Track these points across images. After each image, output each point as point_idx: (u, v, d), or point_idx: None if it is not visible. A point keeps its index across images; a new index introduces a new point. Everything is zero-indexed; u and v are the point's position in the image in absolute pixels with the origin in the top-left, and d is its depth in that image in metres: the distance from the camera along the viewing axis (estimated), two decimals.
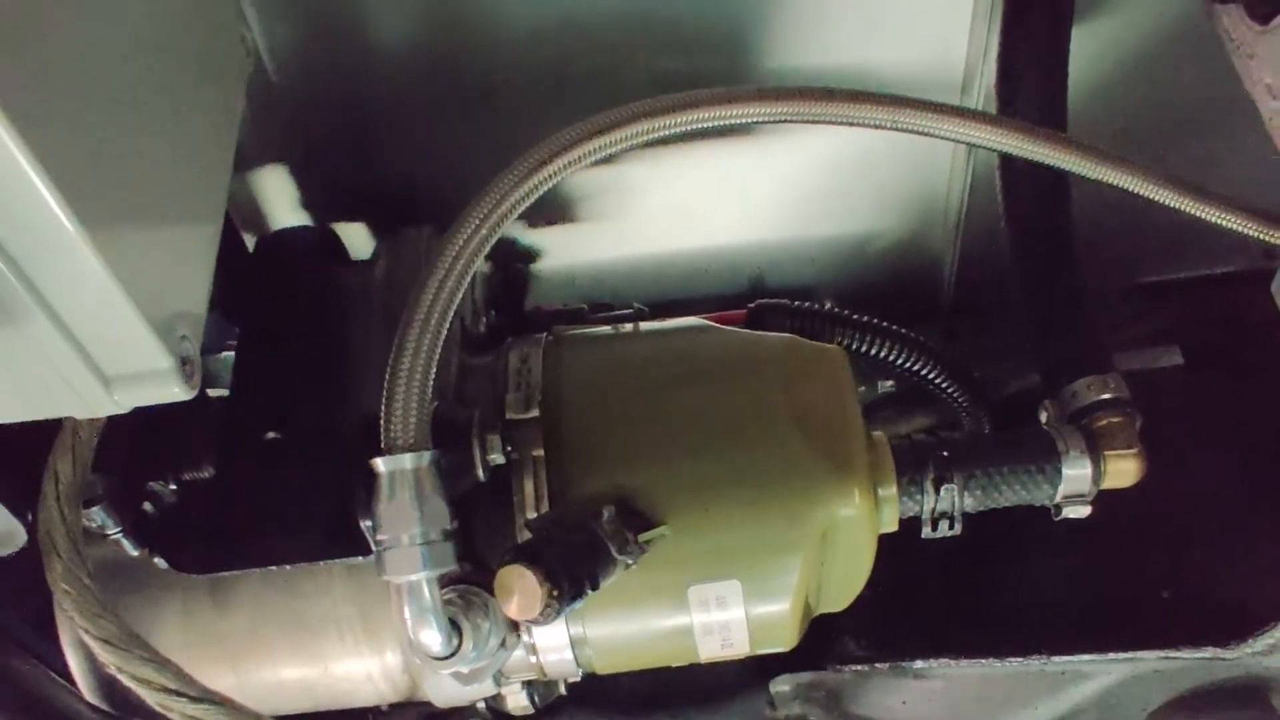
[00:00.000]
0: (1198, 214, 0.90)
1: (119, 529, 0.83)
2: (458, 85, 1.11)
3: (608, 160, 0.82)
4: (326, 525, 0.83)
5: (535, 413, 0.90)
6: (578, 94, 1.09)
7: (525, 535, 0.87)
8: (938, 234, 1.34)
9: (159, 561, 0.85)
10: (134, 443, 0.83)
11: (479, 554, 0.86)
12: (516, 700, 1.01)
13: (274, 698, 0.94)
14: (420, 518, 0.75)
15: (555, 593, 0.76)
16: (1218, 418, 1.19)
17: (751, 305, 1.11)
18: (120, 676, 0.75)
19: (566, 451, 0.89)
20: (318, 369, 0.94)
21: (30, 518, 0.76)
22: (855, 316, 1.09)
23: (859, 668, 1.17)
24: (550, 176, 0.79)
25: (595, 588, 0.80)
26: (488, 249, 0.78)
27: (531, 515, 0.87)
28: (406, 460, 0.75)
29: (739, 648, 0.93)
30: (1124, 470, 0.94)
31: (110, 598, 0.79)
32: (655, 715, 1.30)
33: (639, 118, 0.81)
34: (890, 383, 1.29)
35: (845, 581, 0.95)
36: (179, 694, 0.75)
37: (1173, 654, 1.01)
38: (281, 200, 1.19)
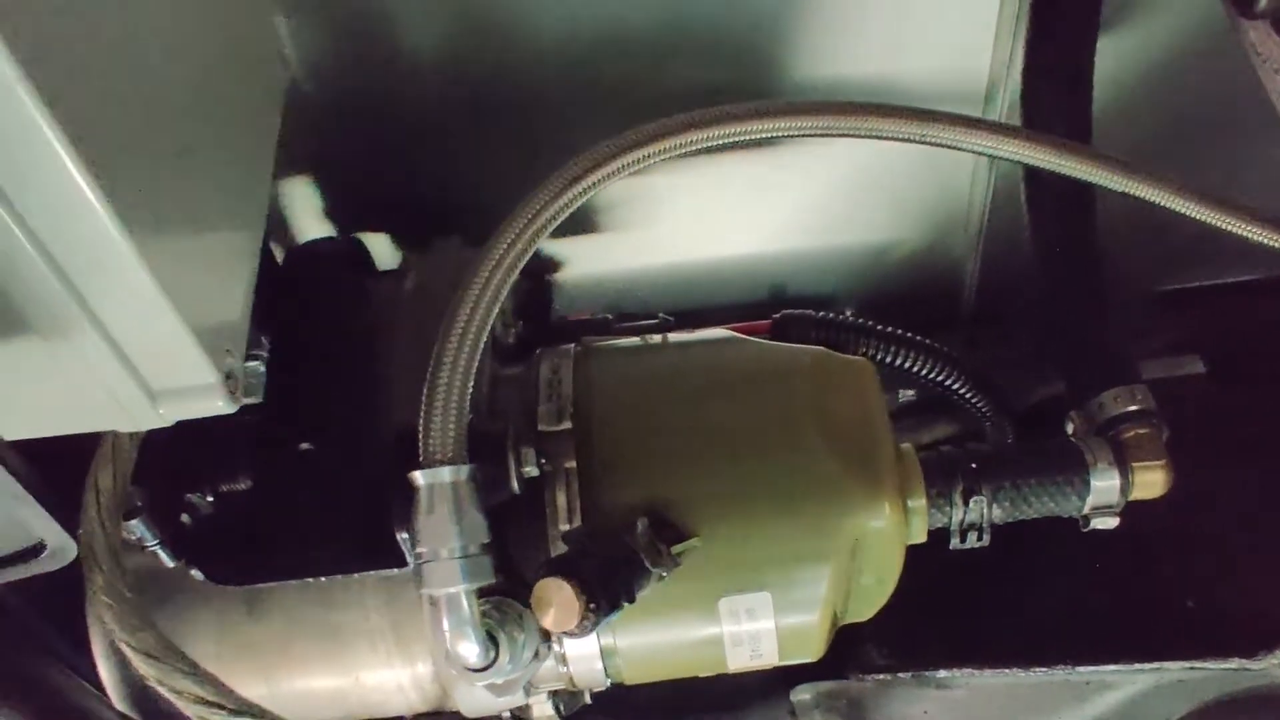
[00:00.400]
0: (1220, 225, 0.91)
1: (157, 541, 0.83)
2: (485, 97, 1.11)
3: (634, 172, 0.82)
4: (361, 537, 0.84)
5: (568, 424, 0.90)
6: (605, 106, 1.10)
7: (559, 547, 0.87)
8: (959, 242, 1.34)
9: (195, 573, 0.86)
10: (172, 455, 0.84)
11: (512, 565, 0.87)
12: (542, 710, 1.02)
13: (305, 707, 0.94)
14: (459, 531, 0.76)
15: (592, 605, 0.76)
16: (1241, 426, 1.19)
17: (776, 316, 1.11)
18: (159, 688, 0.76)
19: (598, 463, 0.89)
20: (349, 380, 0.95)
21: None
22: (879, 327, 1.10)
23: (881, 677, 1.17)
24: (584, 191, 0.80)
25: (631, 600, 0.80)
26: (523, 263, 0.79)
27: (564, 527, 0.88)
28: (445, 474, 0.76)
29: (768, 658, 0.94)
30: (1152, 481, 0.95)
31: (146, 606, 0.80)
32: None
33: (672, 133, 0.82)
34: (912, 392, 1.29)
35: (873, 592, 0.95)
36: (217, 706, 0.76)
37: (1198, 664, 1.01)
38: (308, 210, 1.19)
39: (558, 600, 0.76)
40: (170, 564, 0.85)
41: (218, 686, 0.77)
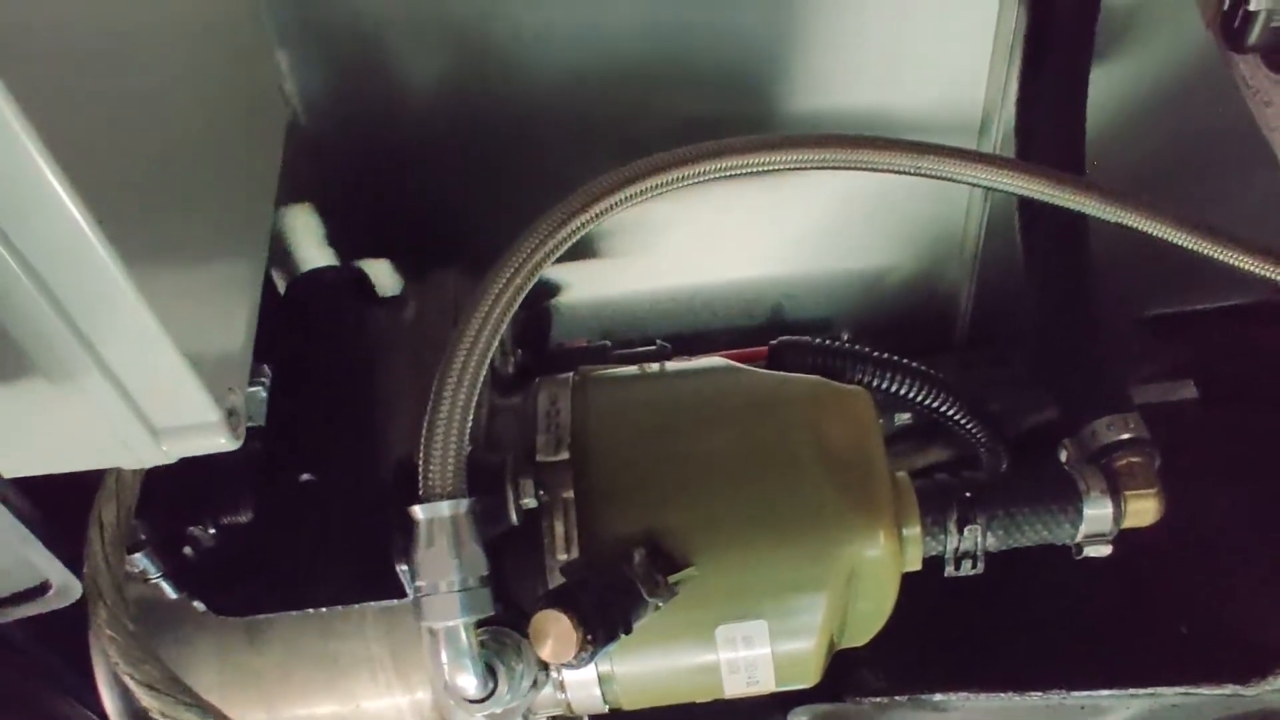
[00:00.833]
0: (1213, 255, 0.92)
1: (160, 573, 0.84)
2: (483, 129, 1.12)
3: (632, 205, 0.83)
4: (361, 568, 0.85)
5: (565, 455, 0.91)
6: (602, 138, 1.11)
7: (556, 577, 0.88)
8: (954, 267, 1.35)
9: (197, 604, 0.86)
10: (174, 488, 0.84)
11: (510, 595, 0.87)
12: None
13: None
14: (458, 565, 0.76)
15: (590, 637, 0.77)
16: (1233, 451, 1.20)
17: (773, 343, 1.12)
18: None
19: (596, 493, 0.90)
20: (349, 410, 0.96)
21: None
22: (875, 353, 1.10)
23: (878, 700, 1.18)
24: (583, 225, 0.81)
25: (628, 631, 0.81)
26: (523, 296, 0.80)
27: (562, 557, 0.89)
28: (444, 508, 0.76)
29: (764, 685, 0.94)
30: (1144, 510, 0.95)
31: (149, 638, 0.81)
32: None
33: (671, 167, 0.84)
34: (907, 416, 1.30)
35: (868, 619, 0.96)
36: None
37: (1192, 690, 1.01)
38: (308, 239, 1.20)
39: (555, 632, 0.77)
40: (173, 596, 0.86)
41: (220, 718, 0.77)
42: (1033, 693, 1.08)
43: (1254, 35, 0.90)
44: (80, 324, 0.62)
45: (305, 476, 0.89)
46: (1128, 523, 0.96)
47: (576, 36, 1.05)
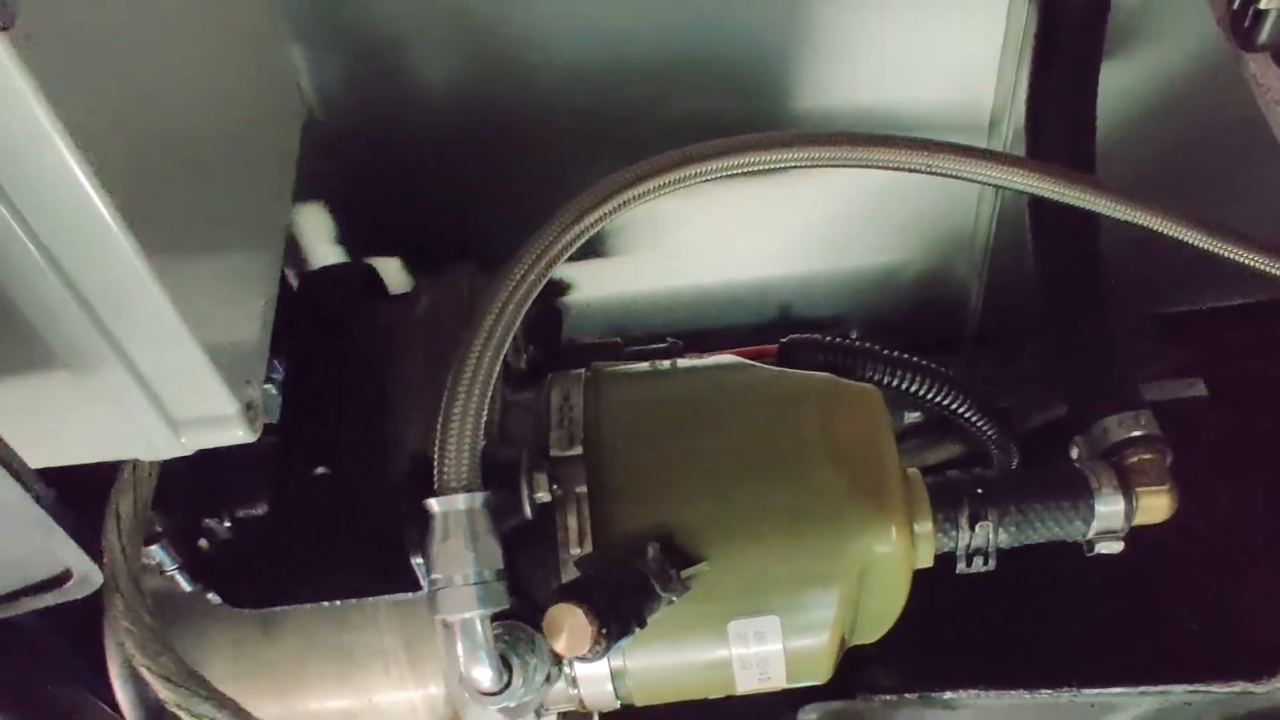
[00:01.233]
0: (1224, 253, 0.92)
1: (176, 565, 0.85)
2: (496, 126, 1.13)
3: (645, 202, 0.84)
4: (376, 561, 0.85)
5: (579, 450, 0.91)
6: (613, 135, 1.11)
7: (570, 571, 0.88)
8: (964, 265, 1.35)
9: (213, 597, 0.87)
10: (191, 481, 0.85)
11: (523, 589, 0.87)
12: None
13: None
14: (474, 558, 0.77)
15: (604, 631, 0.77)
16: (1243, 449, 1.21)
17: (784, 340, 1.12)
18: (179, 713, 0.77)
19: (609, 488, 0.91)
20: (363, 405, 0.96)
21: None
22: (885, 351, 1.11)
23: (888, 697, 1.18)
24: (596, 223, 0.82)
25: (642, 625, 0.81)
26: (536, 293, 0.81)
27: (575, 551, 0.89)
28: (460, 501, 0.77)
29: (776, 681, 0.95)
30: (1156, 506, 0.95)
31: (164, 629, 0.81)
32: None
33: (683, 164, 0.84)
34: (917, 414, 1.30)
35: (880, 615, 0.96)
36: None
37: (1202, 688, 1.02)
38: (321, 237, 1.21)
39: (569, 625, 0.77)
40: (188, 588, 0.86)
41: (238, 711, 0.78)
42: (1043, 690, 1.08)
43: (1264, 34, 0.90)
44: (102, 316, 0.63)
45: (320, 470, 0.90)
46: (1139, 519, 0.96)
47: (589, 35, 1.06)
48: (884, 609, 0.95)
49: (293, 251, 1.21)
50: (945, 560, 0.97)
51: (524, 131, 1.13)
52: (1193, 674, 1.02)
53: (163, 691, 0.77)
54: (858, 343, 1.12)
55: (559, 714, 1.00)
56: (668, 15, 1.06)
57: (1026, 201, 1.07)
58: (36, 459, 0.66)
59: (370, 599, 0.91)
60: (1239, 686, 0.99)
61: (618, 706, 0.98)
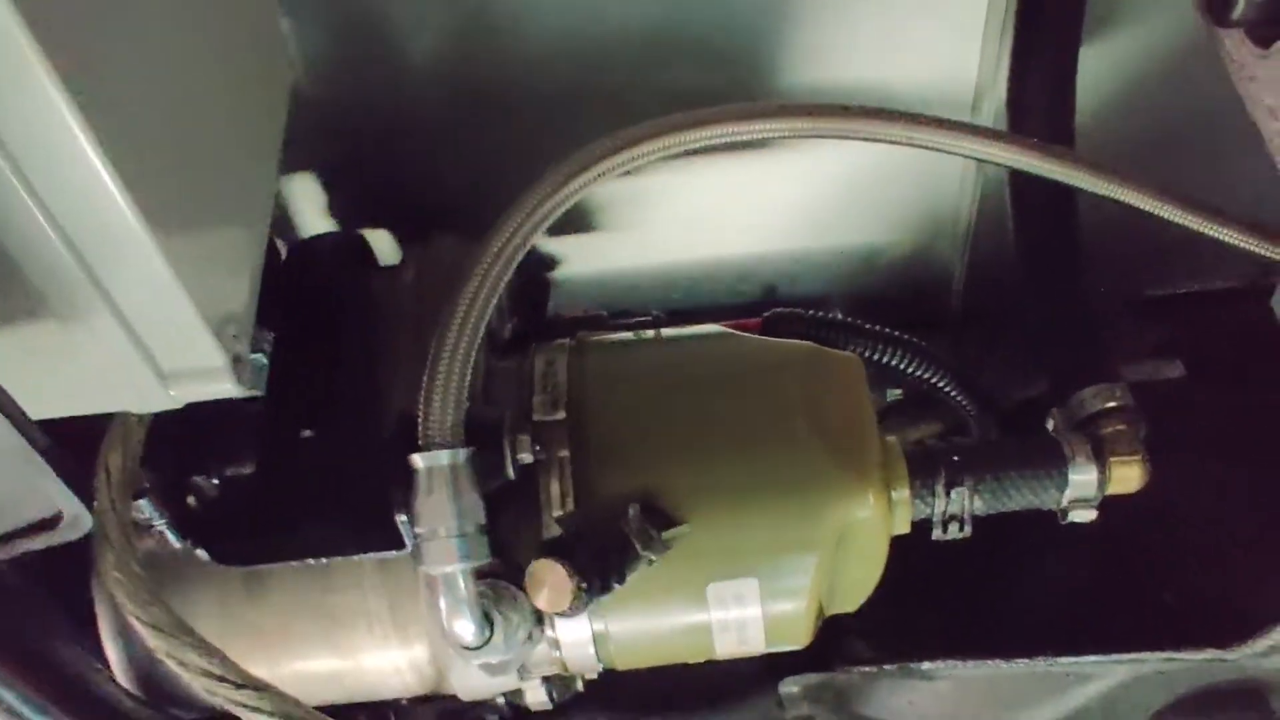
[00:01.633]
0: (1200, 229, 0.93)
1: (164, 521, 0.86)
2: (484, 96, 1.14)
3: (627, 171, 0.85)
4: (361, 520, 0.86)
5: (561, 414, 0.93)
6: (600, 106, 1.12)
7: (552, 533, 0.90)
8: (947, 245, 1.37)
9: (200, 553, 0.88)
10: (178, 439, 0.86)
11: (506, 550, 0.89)
12: (535, 696, 1.04)
13: (304, 688, 0.95)
14: (457, 511, 0.78)
15: (584, 586, 0.79)
16: (1219, 427, 1.22)
17: (766, 314, 1.14)
18: (168, 662, 0.78)
19: (591, 452, 0.92)
20: (349, 371, 0.97)
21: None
22: (868, 326, 1.13)
23: (867, 669, 1.19)
24: (580, 188, 0.83)
25: (621, 582, 0.83)
26: (521, 256, 0.82)
27: (557, 514, 0.90)
28: (443, 457, 0.78)
29: (754, 645, 0.96)
30: (1128, 476, 0.97)
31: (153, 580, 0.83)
32: (667, 715, 1.33)
33: (666, 132, 0.85)
34: (899, 391, 1.32)
35: (858, 582, 0.97)
36: (224, 680, 0.78)
37: (1175, 656, 1.03)
38: (309, 206, 1.22)
39: (551, 581, 0.79)
40: (176, 544, 0.87)
41: (225, 661, 0.79)
42: (1019, 660, 1.09)
43: (1238, 10, 0.91)
44: (92, 264, 0.63)
45: (306, 433, 0.91)
46: (1112, 489, 0.98)
47: (577, 6, 1.07)
48: (862, 576, 0.97)
49: (283, 223, 1.22)
50: (923, 535, 0.99)
51: (511, 102, 1.14)
52: (1166, 643, 1.03)
53: (152, 641, 0.78)
54: (840, 317, 1.14)
55: (543, 678, 1.02)
56: None
57: (1007, 177, 1.09)
58: (28, 410, 0.67)
59: (355, 560, 0.92)
60: (1210, 654, 1.01)
61: (600, 670, 1.00)
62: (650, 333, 1.04)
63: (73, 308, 0.64)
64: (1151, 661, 1.05)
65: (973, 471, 0.96)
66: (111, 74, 0.62)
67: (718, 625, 0.94)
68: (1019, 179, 1.08)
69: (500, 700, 1.07)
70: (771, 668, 1.25)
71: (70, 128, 0.58)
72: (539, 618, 0.87)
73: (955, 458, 0.97)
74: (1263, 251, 0.93)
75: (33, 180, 0.60)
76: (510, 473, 0.87)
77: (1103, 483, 0.97)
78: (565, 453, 0.92)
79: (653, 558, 0.85)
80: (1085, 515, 0.99)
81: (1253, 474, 1.16)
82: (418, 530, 0.79)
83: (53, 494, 0.62)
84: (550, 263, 1.34)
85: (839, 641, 1.20)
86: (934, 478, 0.96)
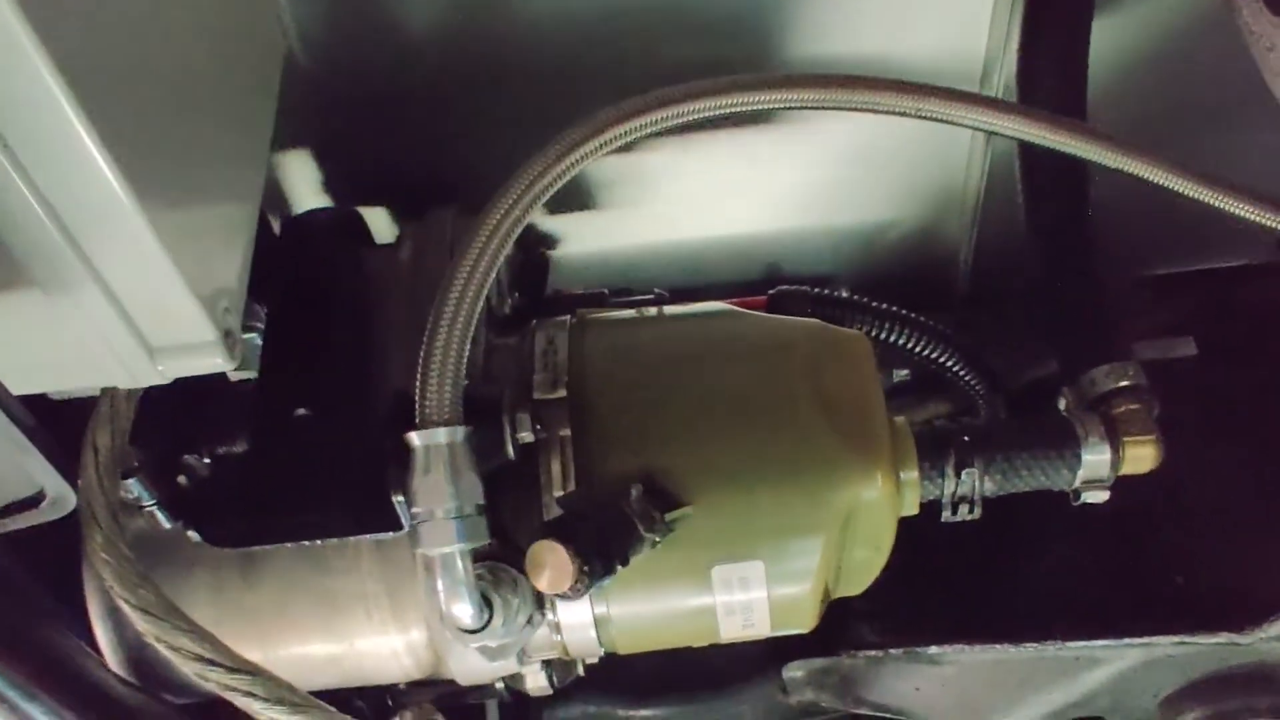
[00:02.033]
0: (1214, 203, 0.92)
1: (154, 501, 0.84)
2: (481, 70, 1.12)
3: (628, 147, 0.83)
4: (357, 500, 0.84)
5: (562, 393, 0.91)
6: (602, 79, 1.09)
7: (553, 513, 0.88)
8: (954, 222, 1.35)
9: (192, 534, 0.86)
10: (169, 416, 0.84)
11: (505, 532, 0.87)
12: (535, 680, 1.02)
13: (300, 672, 0.94)
14: (455, 492, 0.77)
15: (586, 568, 0.77)
16: (1232, 407, 1.20)
17: (772, 292, 1.12)
18: (158, 646, 0.77)
19: (593, 431, 0.90)
20: (344, 348, 0.95)
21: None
22: (874, 304, 1.11)
23: (873, 653, 1.18)
24: (580, 160, 0.81)
25: (624, 564, 0.81)
26: (520, 230, 0.80)
27: (558, 494, 0.88)
28: (441, 435, 0.76)
29: (760, 628, 0.94)
30: (1142, 456, 0.95)
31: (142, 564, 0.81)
32: (669, 699, 1.31)
33: (669, 103, 0.83)
34: (906, 371, 1.30)
35: (865, 565, 0.96)
36: (215, 664, 0.76)
37: (1187, 640, 1.02)
38: (304, 182, 1.20)
39: (552, 562, 0.77)
40: (167, 525, 0.86)
41: (216, 645, 0.77)
42: (1028, 644, 1.08)
43: None
44: (79, 238, 0.62)
45: (301, 411, 0.89)
46: (1125, 469, 0.96)
47: None
48: (869, 557, 0.95)
49: (276, 198, 1.20)
50: (931, 518, 0.97)
51: (509, 75, 1.12)
52: (1177, 627, 1.02)
53: (142, 624, 0.76)
54: (846, 295, 1.12)
55: (543, 662, 1.00)
56: None
57: (1016, 151, 1.07)
58: (12, 385, 0.66)
59: (352, 543, 0.91)
60: (1223, 638, 0.99)
61: (601, 654, 0.98)
62: (653, 310, 1.02)
63: (57, 279, 0.63)
64: (1163, 645, 1.04)
65: (983, 452, 0.95)
66: (98, 44, 0.61)
67: (722, 608, 0.92)
68: (1029, 153, 1.06)
69: (499, 685, 1.05)
70: (775, 651, 1.24)
71: (56, 98, 0.56)
72: (539, 600, 0.86)
73: (965, 438, 0.95)
74: (1277, 226, 0.91)
75: (17, 151, 0.58)
76: (510, 452, 0.85)
77: (1116, 463, 0.95)
78: (566, 432, 0.90)
79: (656, 539, 0.84)
80: (1098, 496, 0.97)
81: (1266, 454, 1.14)
82: (415, 511, 0.77)
83: (35, 472, 0.61)
84: (551, 240, 1.32)
85: (844, 625, 1.19)
86: (943, 459, 0.94)
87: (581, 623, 0.93)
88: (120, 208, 0.61)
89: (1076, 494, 0.97)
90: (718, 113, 0.84)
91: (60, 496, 0.62)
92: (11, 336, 0.65)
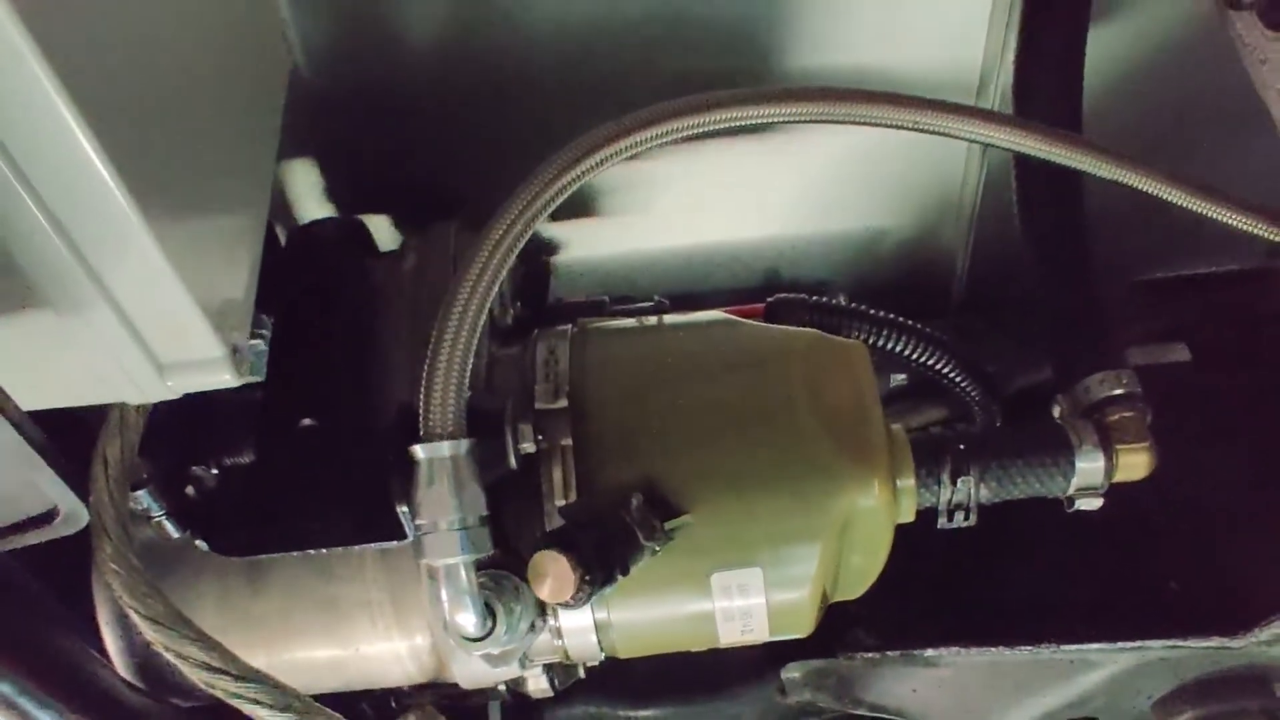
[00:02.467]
0: (1208, 213, 0.93)
1: (163, 512, 0.85)
2: (484, 82, 1.13)
3: (631, 157, 0.84)
4: (362, 510, 0.85)
5: (564, 403, 0.92)
6: (603, 92, 1.11)
7: (555, 522, 0.89)
8: (951, 230, 1.36)
9: (200, 543, 0.87)
10: (177, 428, 0.85)
11: (507, 540, 0.88)
12: (537, 683, 1.04)
13: (305, 678, 0.96)
14: (458, 504, 0.78)
15: (587, 577, 0.78)
16: (1224, 412, 1.21)
17: (770, 300, 1.13)
18: (166, 655, 0.77)
19: (594, 441, 0.91)
20: (349, 358, 0.96)
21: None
22: (871, 311, 1.12)
23: (870, 655, 1.19)
24: (583, 174, 0.82)
25: (625, 573, 0.82)
26: (523, 243, 0.81)
27: (559, 503, 0.90)
28: (445, 448, 0.77)
29: (758, 634, 0.96)
30: (1136, 464, 0.96)
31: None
32: (668, 700, 1.32)
33: (669, 117, 0.84)
34: (903, 377, 1.31)
35: (862, 571, 0.97)
36: (223, 672, 0.77)
37: (1179, 643, 1.02)
38: (308, 193, 1.21)
39: (554, 571, 0.78)
40: (175, 535, 0.87)
41: (224, 654, 0.78)
42: (1022, 647, 1.09)
43: None
44: (89, 257, 0.63)
45: (306, 422, 0.90)
46: (1119, 476, 0.97)
47: None
48: (866, 564, 0.96)
49: (281, 209, 1.21)
50: (927, 522, 0.98)
51: (512, 88, 1.13)
52: (1170, 630, 1.03)
53: (150, 633, 0.77)
54: (843, 303, 1.13)
55: (544, 666, 1.01)
56: None
57: (1012, 161, 1.08)
58: (23, 402, 0.67)
59: (356, 551, 0.92)
60: (1216, 641, 1.00)
61: (602, 658, 1.00)
62: (652, 319, 1.04)
63: (68, 299, 0.64)
64: (1156, 649, 1.05)
65: (979, 459, 0.96)
66: (105, 62, 0.61)
67: (721, 614, 0.93)
68: (1024, 163, 1.07)
69: (501, 688, 1.06)
70: (773, 654, 1.24)
71: (63, 115, 0.57)
72: (541, 608, 0.87)
73: (961, 446, 0.96)
74: (1269, 235, 0.93)
75: (26, 170, 0.59)
76: (512, 462, 0.86)
77: (1110, 470, 0.96)
78: (568, 441, 0.91)
79: (656, 548, 0.85)
80: (1092, 503, 0.98)
81: (1259, 459, 1.15)
82: (419, 522, 0.79)
83: (48, 489, 0.62)
84: (552, 248, 1.33)
85: (842, 630, 1.20)
86: (940, 466, 0.95)
87: (582, 628, 0.94)
88: (129, 226, 0.62)
89: (1070, 501, 0.98)
90: (720, 126, 0.85)
91: (73, 513, 0.63)
92: (24, 355, 0.66)
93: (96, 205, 0.61)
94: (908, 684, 1.22)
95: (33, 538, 0.64)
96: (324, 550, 0.89)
